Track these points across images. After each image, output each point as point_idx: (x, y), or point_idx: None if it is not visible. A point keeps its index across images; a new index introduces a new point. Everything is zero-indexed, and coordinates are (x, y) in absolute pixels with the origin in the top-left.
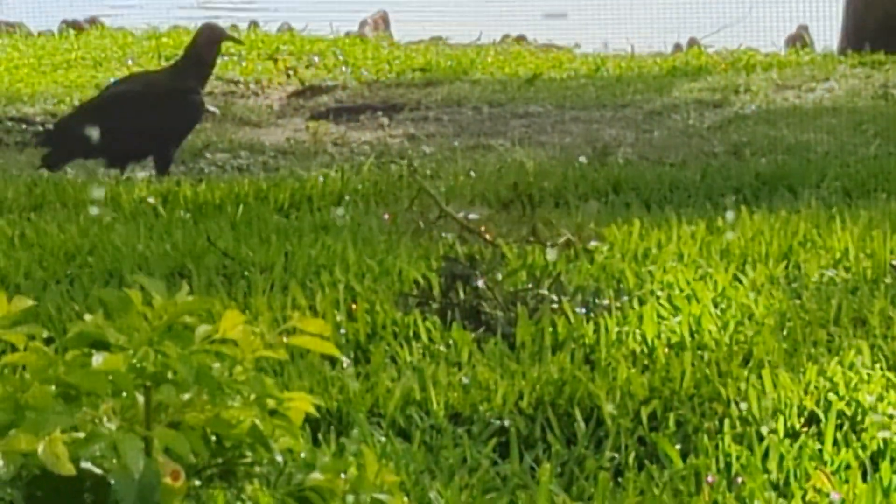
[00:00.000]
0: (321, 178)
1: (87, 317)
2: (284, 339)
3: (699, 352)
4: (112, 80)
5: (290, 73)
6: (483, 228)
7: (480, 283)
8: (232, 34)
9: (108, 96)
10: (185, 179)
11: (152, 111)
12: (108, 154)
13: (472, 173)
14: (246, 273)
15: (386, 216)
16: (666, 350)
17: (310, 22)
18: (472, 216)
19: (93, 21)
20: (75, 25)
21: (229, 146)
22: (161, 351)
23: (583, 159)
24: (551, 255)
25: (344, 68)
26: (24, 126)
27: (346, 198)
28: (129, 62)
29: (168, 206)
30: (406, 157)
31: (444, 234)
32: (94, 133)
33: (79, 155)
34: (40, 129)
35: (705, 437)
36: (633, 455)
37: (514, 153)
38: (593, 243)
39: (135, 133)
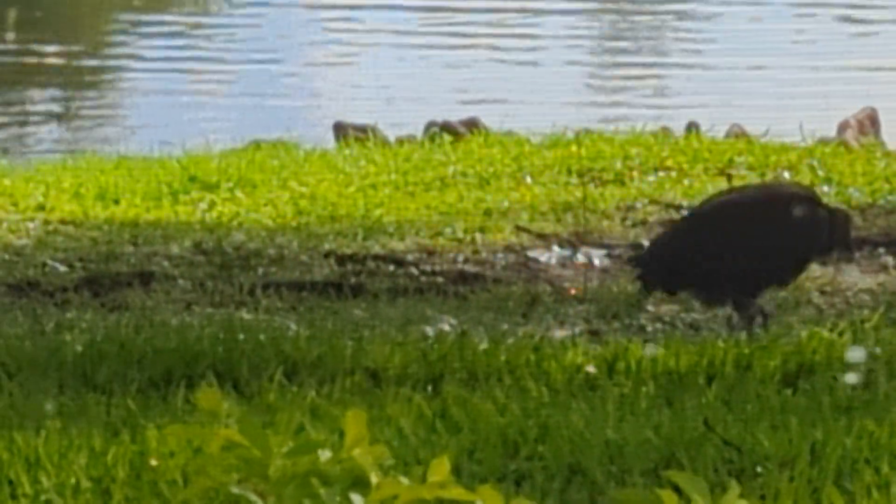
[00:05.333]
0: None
1: None
2: None
3: None
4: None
5: None
6: None
7: None
8: None
9: (715, 207)
10: (627, 340)
11: (784, 230)
12: (706, 290)
13: None
14: (759, 469)
15: None
16: None
17: (773, 124)
18: None
19: (472, 125)
20: (449, 129)
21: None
22: None
23: None
24: None
25: (826, 188)
26: (392, 268)
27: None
28: (528, 179)
29: (615, 377)
30: None
31: None
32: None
33: (667, 289)
34: (414, 271)
35: None
36: None
37: None
38: None
39: (749, 261)
